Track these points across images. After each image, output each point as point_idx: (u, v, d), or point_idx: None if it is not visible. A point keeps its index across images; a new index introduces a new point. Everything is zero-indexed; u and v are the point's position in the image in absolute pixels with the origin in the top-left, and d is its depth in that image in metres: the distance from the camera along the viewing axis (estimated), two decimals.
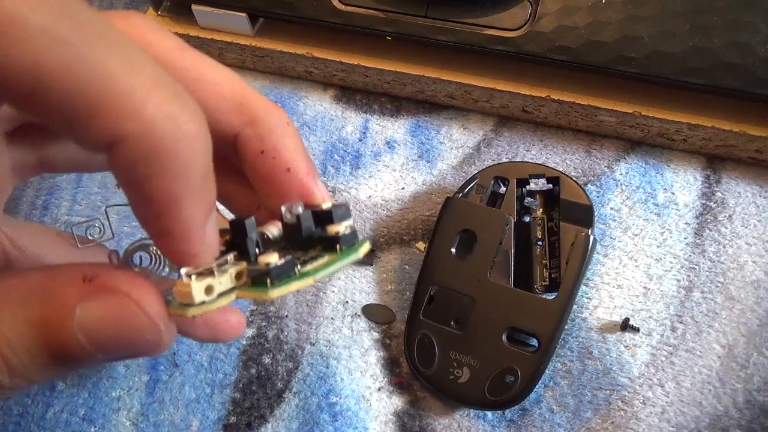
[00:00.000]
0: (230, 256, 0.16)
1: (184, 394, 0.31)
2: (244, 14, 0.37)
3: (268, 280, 0.16)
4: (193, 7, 0.38)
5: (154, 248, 0.18)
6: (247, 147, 0.18)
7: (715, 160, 0.34)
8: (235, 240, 0.17)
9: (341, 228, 0.17)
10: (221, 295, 0.16)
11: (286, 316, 0.33)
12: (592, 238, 0.30)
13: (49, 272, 0.15)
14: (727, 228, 0.32)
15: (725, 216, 0.32)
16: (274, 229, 0.18)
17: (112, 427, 0.31)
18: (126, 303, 0.15)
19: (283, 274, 0.16)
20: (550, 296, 0.30)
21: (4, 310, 0.14)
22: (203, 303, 0.15)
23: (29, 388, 0.20)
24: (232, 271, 0.16)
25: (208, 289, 0.16)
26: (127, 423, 0.31)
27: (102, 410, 0.31)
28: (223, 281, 0.16)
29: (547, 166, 0.32)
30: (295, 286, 0.16)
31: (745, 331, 0.30)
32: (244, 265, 0.17)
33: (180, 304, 0.16)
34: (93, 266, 0.16)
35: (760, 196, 0.33)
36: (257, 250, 0.17)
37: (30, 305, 0.14)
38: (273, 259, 0.16)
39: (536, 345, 0.29)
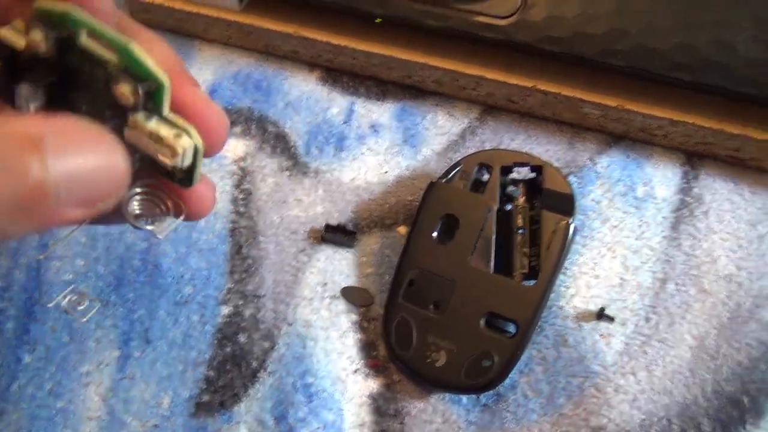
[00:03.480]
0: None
1: (156, 371, 0.31)
2: None
3: None
4: None
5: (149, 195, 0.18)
6: None
7: (694, 157, 0.34)
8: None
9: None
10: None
11: (264, 295, 0.32)
12: (572, 226, 0.30)
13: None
14: (702, 223, 0.33)
15: (701, 211, 0.33)
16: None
17: (80, 402, 0.30)
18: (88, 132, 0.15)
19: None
20: (530, 283, 0.30)
21: None
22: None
23: None
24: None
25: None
26: (96, 398, 0.30)
27: (70, 385, 0.31)
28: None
29: (531, 155, 0.33)
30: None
31: (716, 324, 0.30)
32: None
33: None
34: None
35: (735, 193, 0.33)
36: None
37: None
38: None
39: (513, 331, 0.29)
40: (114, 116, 0.16)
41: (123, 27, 0.18)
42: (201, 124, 0.17)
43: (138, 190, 0.18)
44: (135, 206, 0.18)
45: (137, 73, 0.15)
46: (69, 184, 0.14)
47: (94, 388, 0.31)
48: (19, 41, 0.15)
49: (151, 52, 0.16)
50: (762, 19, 0.30)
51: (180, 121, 0.16)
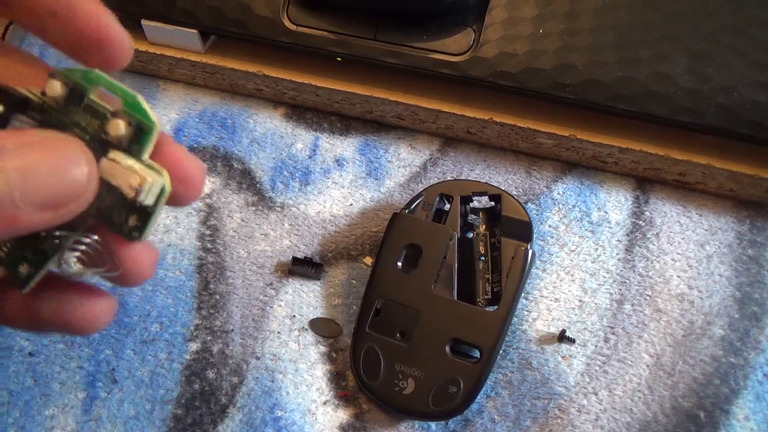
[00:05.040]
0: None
1: (123, 411, 0.31)
2: (195, 31, 0.37)
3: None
4: (143, 22, 0.38)
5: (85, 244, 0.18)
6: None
7: (644, 182, 0.36)
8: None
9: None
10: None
11: (232, 330, 0.33)
12: (531, 252, 0.31)
13: None
14: (654, 245, 0.34)
15: (653, 234, 0.34)
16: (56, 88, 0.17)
17: None
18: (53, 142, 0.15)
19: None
20: (493, 309, 0.31)
21: None
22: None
23: None
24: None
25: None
26: None
27: (34, 429, 0.30)
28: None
29: (489, 185, 0.34)
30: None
31: (671, 341, 0.31)
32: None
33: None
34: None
35: (683, 215, 0.35)
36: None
37: None
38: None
39: (478, 356, 0.30)
40: (94, 148, 0.17)
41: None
42: (179, 171, 0.18)
43: (79, 240, 0.18)
44: (71, 259, 0.17)
45: (134, 114, 0.17)
46: (25, 187, 0.14)
47: None
48: (33, 94, 0.17)
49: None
50: (695, 53, 0.32)
51: (156, 165, 0.17)
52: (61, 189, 0.14)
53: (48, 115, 0.17)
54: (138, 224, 0.17)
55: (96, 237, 0.17)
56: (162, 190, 0.17)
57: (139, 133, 0.17)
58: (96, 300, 0.18)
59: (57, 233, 0.17)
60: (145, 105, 0.17)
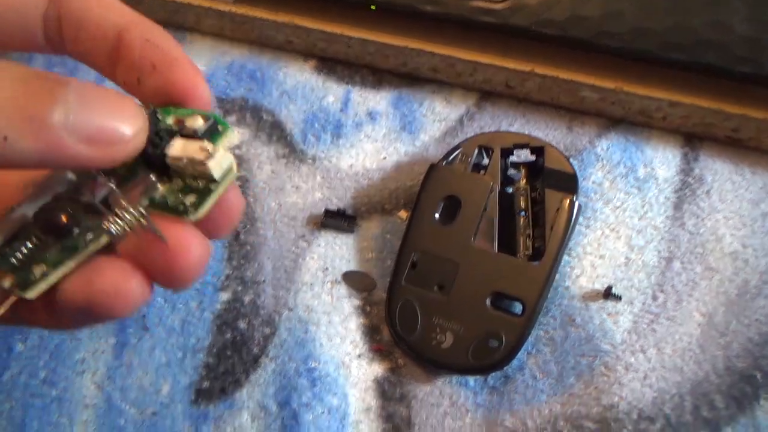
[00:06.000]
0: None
1: (154, 358, 0.30)
2: None
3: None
4: None
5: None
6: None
7: (693, 139, 0.34)
8: None
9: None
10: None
11: (264, 281, 0.32)
12: (576, 203, 0.30)
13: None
14: (705, 202, 0.32)
15: (703, 191, 0.33)
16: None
17: (75, 390, 0.29)
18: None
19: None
20: (535, 264, 0.29)
21: None
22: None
23: None
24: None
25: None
26: (92, 386, 0.29)
27: (64, 373, 0.29)
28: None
29: (531, 136, 0.32)
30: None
31: (724, 300, 0.30)
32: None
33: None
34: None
35: (735, 173, 0.33)
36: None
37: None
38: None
39: (520, 310, 0.29)
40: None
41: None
42: (222, 201, 0.18)
43: (129, 213, 0.17)
44: (114, 227, 0.17)
45: (212, 117, 0.18)
46: (81, 113, 0.14)
47: (89, 376, 0.29)
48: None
49: None
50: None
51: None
52: (112, 128, 0.15)
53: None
54: (196, 201, 0.17)
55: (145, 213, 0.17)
56: (230, 168, 0.17)
57: (214, 131, 0.17)
58: (129, 273, 0.16)
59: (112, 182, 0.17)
60: (223, 119, 0.18)
